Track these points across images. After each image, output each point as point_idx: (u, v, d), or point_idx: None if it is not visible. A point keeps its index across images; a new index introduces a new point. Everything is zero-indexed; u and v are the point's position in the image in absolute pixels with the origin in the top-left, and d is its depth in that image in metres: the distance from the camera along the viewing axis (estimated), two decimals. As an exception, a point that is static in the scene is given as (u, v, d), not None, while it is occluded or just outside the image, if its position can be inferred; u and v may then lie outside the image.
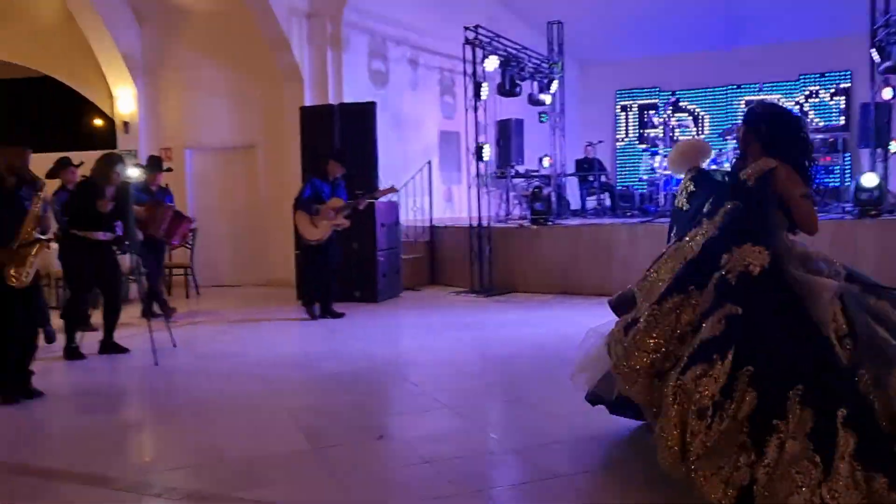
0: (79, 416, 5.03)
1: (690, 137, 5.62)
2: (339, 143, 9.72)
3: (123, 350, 6.74)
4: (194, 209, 11.76)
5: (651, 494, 3.28)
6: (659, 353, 3.28)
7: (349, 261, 9.32)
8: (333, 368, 5.99)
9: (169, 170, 9.44)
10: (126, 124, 11.92)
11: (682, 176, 4.12)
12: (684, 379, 3.08)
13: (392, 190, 8.93)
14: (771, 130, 3.50)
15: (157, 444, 4.40)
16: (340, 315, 8.36)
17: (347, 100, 10.96)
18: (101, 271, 6.60)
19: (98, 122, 13.18)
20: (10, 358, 5.09)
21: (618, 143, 16.68)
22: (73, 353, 6.53)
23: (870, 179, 9.15)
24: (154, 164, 8.86)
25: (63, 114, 13.76)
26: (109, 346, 6.72)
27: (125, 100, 11.85)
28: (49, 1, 11.89)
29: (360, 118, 9.83)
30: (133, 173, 7.02)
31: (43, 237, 5.16)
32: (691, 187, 3.92)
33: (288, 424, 4.53)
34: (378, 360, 6.26)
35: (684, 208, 3.90)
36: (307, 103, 10.89)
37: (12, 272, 4.91)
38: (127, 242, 6.77)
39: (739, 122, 3.99)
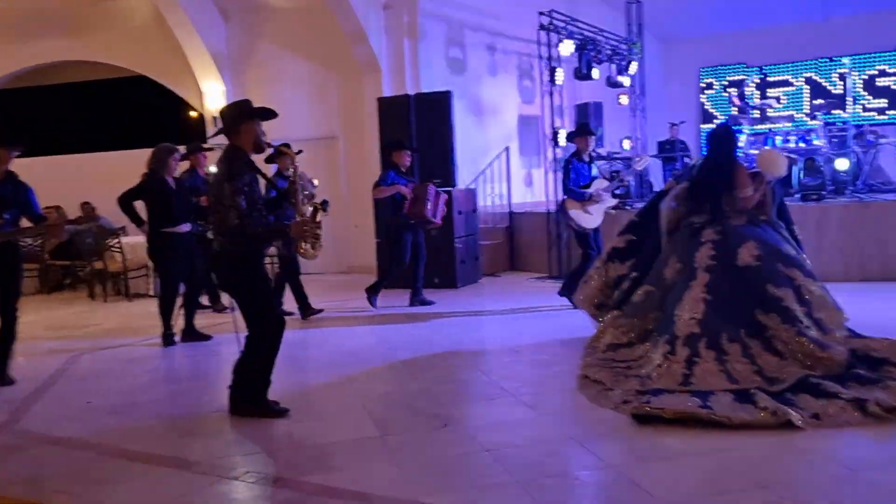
0: (164, 403, 5.36)
1: (770, 149, 6.20)
2: (416, 132, 9.88)
3: (207, 337, 7.13)
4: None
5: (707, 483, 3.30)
6: None
7: (428, 248, 9.52)
8: (408, 356, 6.16)
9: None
10: (215, 119, 12.42)
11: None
12: None
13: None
14: None
15: (235, 431, 4.65)
16: (431, 302, 8.52)
17: (425, 89, 11.09)
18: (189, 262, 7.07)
19: (192, 113, 13.75)
20: None
21: (703, 123, 16.25)
22: (168, 339, 7.04)
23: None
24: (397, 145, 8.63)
25: (157, 110, 14.41)
26: (191, 334, 7.16)
27: (213, 95, 12.34)
28: (142, 4, 12.49)
29: (437, 107, 9.96)
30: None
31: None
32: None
33: (360, 412, 4.72)
34: (451, 346, 6.39)
35: None
36: (386, 94, 11.08)
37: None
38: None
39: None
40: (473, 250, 10.36)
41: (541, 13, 10.14)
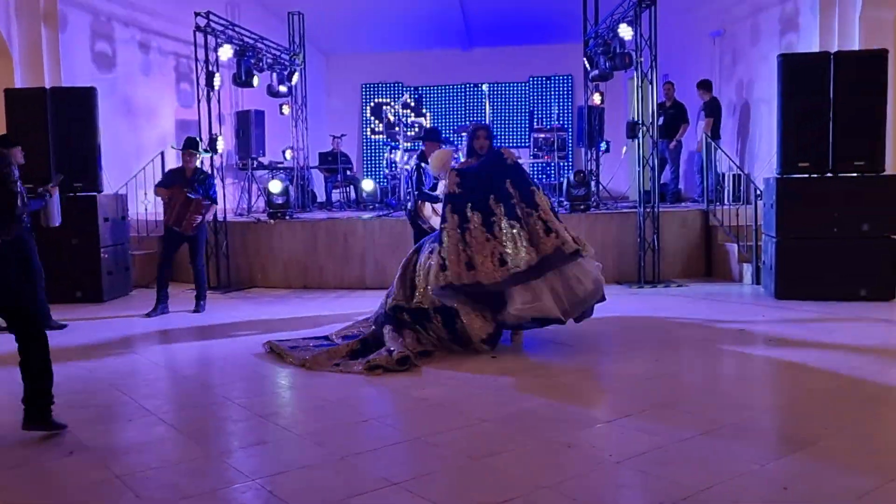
0: None
1: (444, 149, 6.61)
2: (54, 130, 8.92)
3: None
4: None
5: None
6: None
7: (69, 258, 8.68)
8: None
9: (199, 152, 8.62)
10: None
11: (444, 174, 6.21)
12: None
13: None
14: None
15: None
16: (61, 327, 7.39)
17: (67, 83, 10.08)
18: None
19: None
20: None
21: (366, 137, 16.93)
22: None
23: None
24: (185, 145, 8.34)
25: None
26: None
27: None
28: None
29: (78, 103, 9.07)
30: None
31: None
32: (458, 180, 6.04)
33: None
34: (93, 367, 5.83)
35: (457, 192, 5.99)
36: (18, 85, 9.89)
37: None
38: None
39: (477, 128, 6.47)
40: (123, 260, 9.62)
41: (197, 14, 9.76)
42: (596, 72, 10.81)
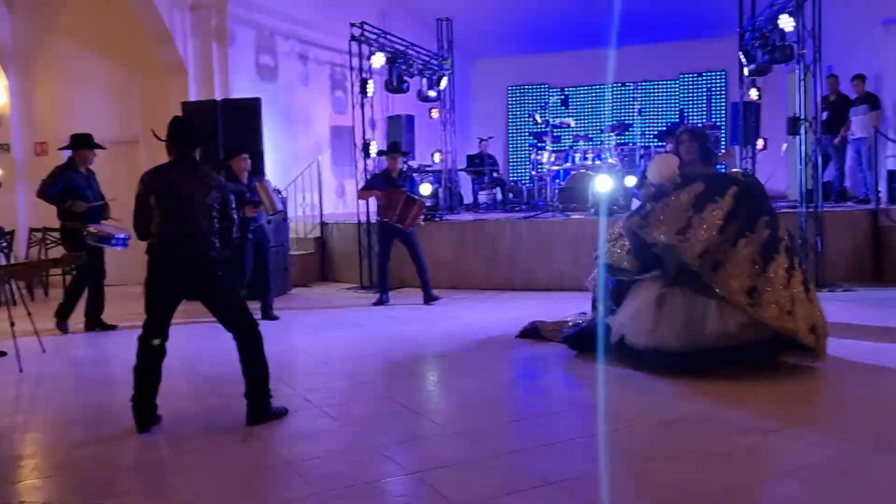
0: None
1: (667, 155, 6.27)
2: (224, 139, 9.57)
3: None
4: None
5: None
6: None
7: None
8: (208, 370, 5.93)
9: (405, 153, 9.85)
10: (-4, 116, 11.39)
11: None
12: None
13: None
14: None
15: (18, 457, 4.27)
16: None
17: (235, 95, 10.79)
18: None
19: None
20: None
21: (510, 138, 17.03)
22: None
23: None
24: (391, 149, 9.15)
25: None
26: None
27: (-5, 90, 11.32)
28: None
29: (245, 114, 9.69)
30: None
31: None
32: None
33: (153, 430, 4.48)
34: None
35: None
36: (192, 98, 10.67)
37: None
38: None
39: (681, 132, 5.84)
40: (283, 261, 10.17)
41: (352, 24, 10.18)
42: (753, 66, 10.34)
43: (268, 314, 8.01)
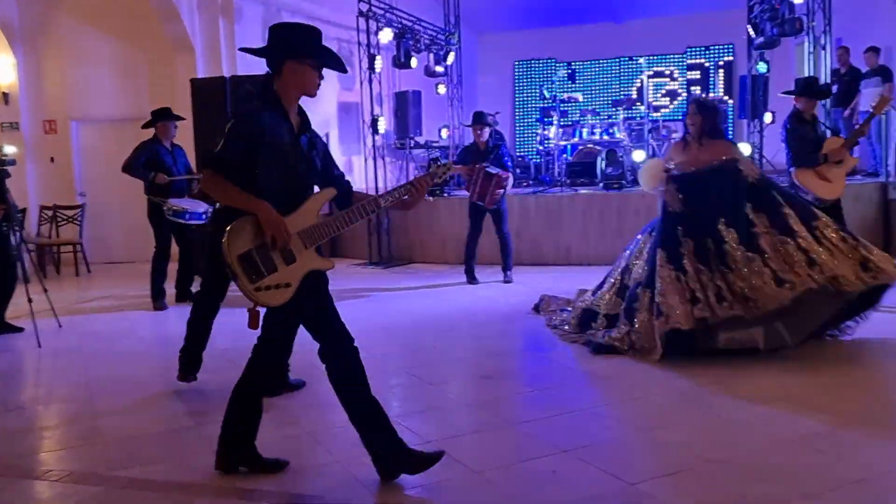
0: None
1: (654, 160, 6.08)
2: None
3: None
4: (82, 182, 11.43)
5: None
6: None
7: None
8: (228, 345, 6.00)
9: (489, 124, 8.62)
10: (6, 95, 11.40)
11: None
12: None
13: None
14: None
15: (41, 428, 4.36)
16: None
17: (242, 71, 10.77)
18: None
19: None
20: None
21: (517, 114, 16.99)
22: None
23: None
24: (475, 120, 8.42)
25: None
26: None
27: (3, 69, 11.30)
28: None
29: (255, 91, 9.68)
30: (9, 150, 6.80)
31: None
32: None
33: (174, 402, 4.57)
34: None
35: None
36: (200, 75, 10.67)
37: None
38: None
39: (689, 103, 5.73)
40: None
41: (360, 0, 10.16)
42: (761, 39, 10.32)
43: None
